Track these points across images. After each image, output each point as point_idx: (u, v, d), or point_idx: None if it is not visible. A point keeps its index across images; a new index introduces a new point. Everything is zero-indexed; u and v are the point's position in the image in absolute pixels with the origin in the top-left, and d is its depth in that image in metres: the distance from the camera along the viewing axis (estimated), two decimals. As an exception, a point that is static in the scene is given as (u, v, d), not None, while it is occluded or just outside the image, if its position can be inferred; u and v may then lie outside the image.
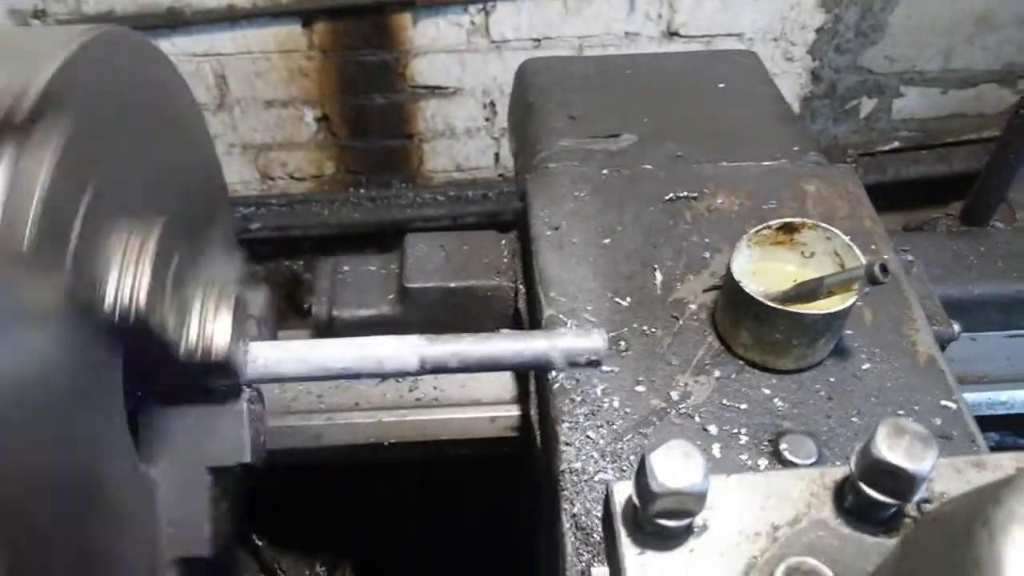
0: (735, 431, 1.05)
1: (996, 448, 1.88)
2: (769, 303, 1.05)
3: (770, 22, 2.77)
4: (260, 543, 1.85)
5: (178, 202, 0.97)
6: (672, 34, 2.75)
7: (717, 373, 1.12)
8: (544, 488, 1.12)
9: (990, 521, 0.42)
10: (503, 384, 1.45)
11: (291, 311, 3.00)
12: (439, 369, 0.85)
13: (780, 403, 1.08)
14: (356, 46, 2.67)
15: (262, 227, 2.86)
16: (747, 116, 1.60)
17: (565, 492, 1.00)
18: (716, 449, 1.03)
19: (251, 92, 2.76)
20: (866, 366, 1.12)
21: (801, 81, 2.94)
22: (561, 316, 1.18)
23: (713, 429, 1.05)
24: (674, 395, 1.09)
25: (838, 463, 1.00)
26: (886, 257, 1.24)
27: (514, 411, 1.41)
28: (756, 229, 1.13)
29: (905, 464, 0.59)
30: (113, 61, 0.84)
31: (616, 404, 1.08)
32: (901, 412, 1.07)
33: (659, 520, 0.62)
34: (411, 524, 1.93)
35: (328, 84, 2.76)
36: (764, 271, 1.15)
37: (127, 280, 0.76)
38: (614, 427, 1.06)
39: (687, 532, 0.64)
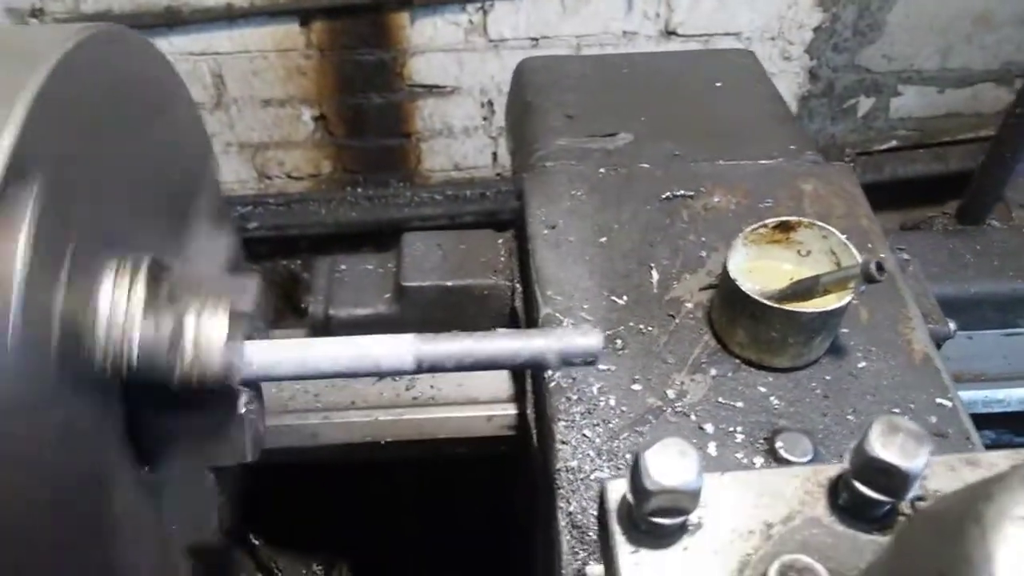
0: (731, 429, 1.05)
1: (992, 446, 1.88)
2: (765, 301, 1.05)
3: (768, 21, 2.77)
4: (257, 542, 1.85)
5: (169, 199, 0.97)
6: (670, 33, 2.75)
7: (713, 371, 1.12)
8: (540, 486, 1.12)
9: (982, 518, 0.42)
10: (500, 383, 1.45)
11: (288, 310, 3.00)
12: (434, 368, 0.85)
13: (776, 401, 1.08)
14: (353, 45, 2.67)
15: (259, 226, 2.86)
16: (744, 115, 1.60)
17: (561, 490, 1.00)
18: (712, 447, 1.04)
19: (248, 91, 2.76)
20: (862, 364, 1.13)
21: (799, 80, 2.95)
22: (558, 315, 1.19)
23: (709, 427, 1.06)
24: (670, 393, 1.09)
25: (834, 461, 1.00)
26: (882, 256, 1.25)
27: (511, 410, 1.42)
28: (752, 228, 1.14)
29: (898, 462, 0.59)
30: (109, 60, 0.84)
31: (612, 402, 1.08)
32: (897, 410, 1.07)
33: (653, 518, 0.62)
34: (408, 523, 1.93)
35: (325, 83, 2.76)
36: (760, 270, 1.15)
37: (116, 333, 0.75)
38: (610, 425, 1.06)
39: (681, 530, 0.64)
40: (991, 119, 2.95)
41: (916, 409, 1.07)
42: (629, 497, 0.63)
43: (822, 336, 1.09)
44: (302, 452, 1.44)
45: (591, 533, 0.96)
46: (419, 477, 1.84)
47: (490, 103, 2.87)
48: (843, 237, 1.11)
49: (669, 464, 0.60)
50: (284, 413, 1.42)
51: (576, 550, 0.95)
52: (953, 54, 2.92)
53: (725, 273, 1.09)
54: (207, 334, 0.81)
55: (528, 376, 1.30)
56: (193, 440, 0.95)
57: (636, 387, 1.10)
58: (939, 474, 0.67)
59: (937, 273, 1.90)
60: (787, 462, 1.00)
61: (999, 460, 0.68)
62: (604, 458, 1.03)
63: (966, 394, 1.75)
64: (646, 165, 1.44)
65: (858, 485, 0.63)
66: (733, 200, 1.36)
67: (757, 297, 1.06)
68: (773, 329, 1.06)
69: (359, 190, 2.98)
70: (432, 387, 1.46)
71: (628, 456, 1.02)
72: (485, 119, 2.92)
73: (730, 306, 1.10)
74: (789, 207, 1.34)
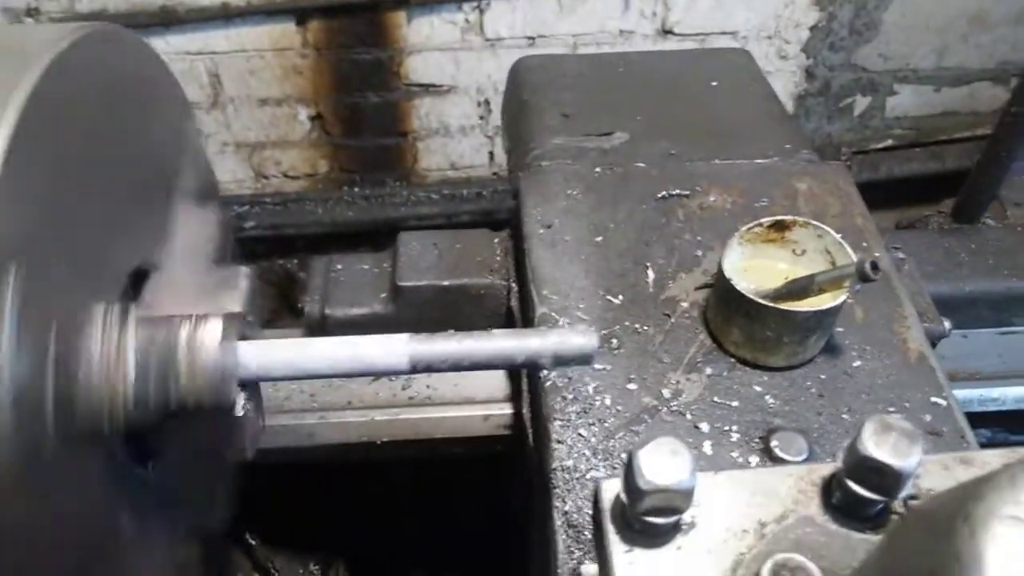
0: (726, 428, 1.05)
1: (988, 445, 1.88)
2: (760, 301, 1.05)
3: (764, 20, 2.78)
4: (253, 542, 1.85)
5: (158, 196, 0.97)
6: (666, 32, 2.75)
7: (709, 371, 1.12)
8: (536, 486, 1.12)
9: (971, 517, 0.42)
10: (496, 382, 1.45)
11: (285, 309, 3.00)
12: (429, 369, 0.86)
13: (771, 400, 1.08)
14: (350, 44, 2.67)
15: (256, 226, 2.86)
16: (739, 114, 1.60)
17: (557, 490, 1.00)
18: (707, 446, 1.04)
19: (245, 90, 2.75)
20: (857, 363, 1.13)
21: (795, 79, 2.95)
22: (553, 314, 1.19)
23: (704, 427, 1.06)
24: (666, 393, 1.09)
25: (829, 460, 1.00)
26: (877, 255, 1.25)
27: (507, 409, 1.42)
28: (747, 227, 1.14)
29: (891, 460, 0.60)
30: (104, 59, 0.84)
31: (608, 402, 1.08)
32: (892, 409, 1.07)
33: (647, 517, 0.62)
34: (405, 523, 1.93)
35: (322, 82, 2.76)
36: (755, 269, 1.15)
37: (110, 388, 0.75)
38: (606, 425, 1.06)
39: (675, 529, 0.64)
40: (987, 118, 2.96)
41: (911, 408, 1.07)
42: (623, 496, 0.63)
43: (817, 335, 1.09)
44: (298, 452, 1.44)
45: (587, 532, 0.96)
46: (415, 477, 1.85)
47: (487, 102, 2.87)
48: (838, 236, 1.11)
49: (662, 463, 0.60)
50: (280, 413, 1.42)
51: (572, 549, 0.96)
52: (949, 53, 2.92)
53: (720, 272, 1.09)
54: (200, 363, 0.81)
55: (524, 375, 1.30)
56: (192, 440, 0.96)
57: (632, 386, 1.10)
58: (932, 473, 0.68)
59: (932, 272, 1.90)
60: (782, 461, 1.00)
61: (992, 459, 0.69)
62: (600, 457, 1.03)
63: (961, 393, 1.77)
64: (642, 164, 1.44)
65: (851, 484, 0.63)
66: (729, 199, 1.36)
67: (752, 296, 1.06)
68: (768, 328, 1.06)
69: (356, 189, 2.99)
70: (428, 387, 1.46)
71: (624, 455, 1.02)
72: (482, 118, 2.92)
73: (725, 305, 1.11)
74: (784, 206, 1.34)
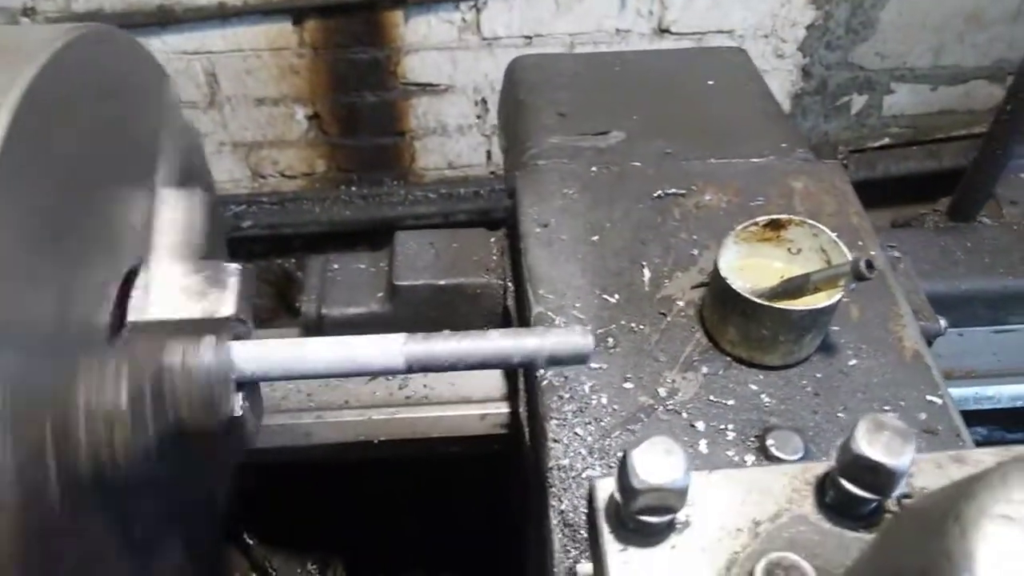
0: (722, 427, 1.06)
1: (983, 443, 1.89)
2: (756, 299, 1.06)
3: (761, 19, 2.78)
4: (251, 541, 1.85)
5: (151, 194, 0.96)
6: (663, 31, 2.76)
7: (704, 369, 1.12)
8: (533, 485, 1.12)
9: (962, 516, 0.43)
10: (493, 381, 1.45)
11: (283, 309, 3.00)
12: (425, 368, 0.86)
13: (767, 399, 1.09)
14: (347, 44, 2.67)
15: (253, 225, 2.86)
16: (735, 113, 1.60)
17: (553, 489, 1.00)
18: (703, 445, 1.04)
19: (242, 90, 2.75)
20: (852, 362, 1.13)
21: (792, 78, 2.95)
22: (550, 313, 1.19)
23: (700, 425, 1.06)
24: (662, 392, 1.09)
25: (824, 458, 1.01)
26: (872, 253, 1.25)
27: (504, 408, 1.42)
28: (743, 226, 1.14)
29: (884, 459, 0.60)
30: (97, 60, 0.84)
31: (604, 401, 1.08)
32: (887, 408, 1.08)
33: (641, 516, 0.62)
34: (403, 522, 1.93)
35: (319, 82, 2.76)
36: (751, 268, 1.15)
37: (105, 448, 0.75)
38: (602, 424, 1.06)
39: (669, 528, 0.65)
40: (984, 116, 2.96)
41: (907, 406, 1.08)
42: (617, 496, 0.63)
43: (812, 334, 1.09)
44: (296, 451, 1.44)
45: (583, 531, 0.96)
46: (413, 476, 1.84)
47: (484, 101, 2.87)
48: (833, 235, 1.11)
49: (656, 462, 0.60)
50: (277, 412, 1.42)
51: (568, 548, 0.96)
52: (945, 52, 2.93)
53: (716, 271, 1.09)
54: (197, 392, 0.80)
55: (521, 374, 1.31)
56: (190, 441, 0.95)
57: (628, 385, 1.10)
58: (926, 471, 0.68)
59: (928, 270, 1.91)
60: (778, 460, 1.01)
61: (986, 457, 0.69)
62: (596, 456, 1.03)
63: (957, 391, 1.77)
64: (638, 163, 1.44)
65: (845, 483, 0.63)
66: (724, 198, 1.36)
67: (748, 295, 1.06)
68: (764, 327, 1.07)
69: (353, 189, 2.99)
70: (425, 386, 1.46)
71: (620, 454, 1.02)
72: (479, 117, 2.92)
73: (721, 304, 1.11)
74: (780, 205, 1.34)
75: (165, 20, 2.50)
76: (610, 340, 1.15)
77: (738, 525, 0.65)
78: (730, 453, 1.03)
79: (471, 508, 1.85)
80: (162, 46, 2.55)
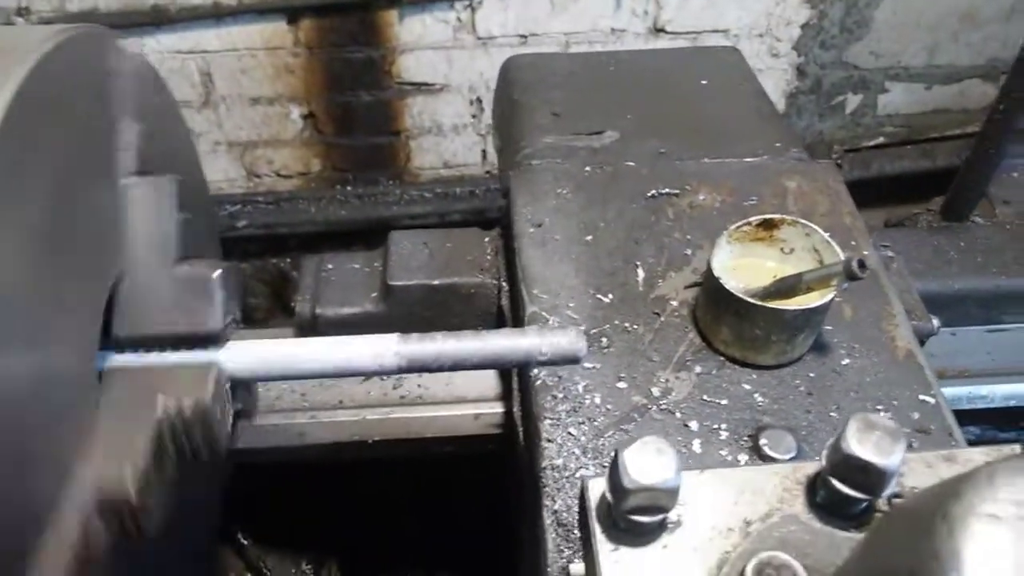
0: (716, 427, 1.06)
1: (976, 442, 1.90)
2: (749, 299, 1.06)
3: (756, 18, 2.78)
4: (245, 542, 1.85)
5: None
6: (658, 31, 2.76)
7: (698, 369, 1.12)
8: (526, 485, 1.12)
9: (949, 515, 0.43)
10: (487, 381, 1.46)
11: (278, 308, 3.00)
12: (418, 368, 0.86)
13: (760, 399, 1.09)
14: (342, 43, 2.67)
15: (248, 224, 2.86)
16: (729, 112, 1.61)
17: (547, 488, 1.00)
18: (697, 445, 1.04)
19: (237, 89, 2.75)
20: (845, 361, 1.13)
21: (787, 77, 2.96)
22: (544, 313, 1.19)
23: (694, 425, 1.06)
24: (655, 391, 1.09)
25: (817, 458, 1.01)
26: (865, 253, 1.26)
27: (498, 408, 1.42)
28: (736, 225, 1.14)
29: (874, 459, 0.60)
30: (88, 61, 0.84)
31: (598, 400, 1.08)
32: (880, 407, 1.08)
33: (632, 516, 0.62)
34: (397, 522, 1.93)
35: (314, 81, 2.76)
36: (744, 267, 1.15)
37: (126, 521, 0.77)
38: (595, 423, 1.06)
39: (660, 528, 0.65)
40: (978, 115, 2.96)
41: (899, 406, 1.08)
42: (608, 495, 0.63)
43: (805, 333, 1.09)
44: (290, 451, 1.44)
45: (576, 531, 0.96)
46: (408, 476, 1.85)
47: (479, 100, 2.87)
48: (826, 235, 1.11)
49: (647, 462, 0.61)
50: (271, 412, 1.42)
51: (561, 548, 0.96)
52: (940, 51, 2.93)
53: (709, 271, 1.10)
54: (197, 444, 0.82)
55: (515, 374, 1.31)
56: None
57: (621, 385, 1.10)
58: (916, 471, 0.68)
59: (921, 270, 1.91)
60: (771, 459, 1.01)
61: (976, 456, 0.69)
62: (589, 456, 1.03)
63: (950, 390, 1.77)
64: (632, 163, 1.44)
65: (835, 482, 0.63)
66: (718, 198, 1.37)
67: (741, 295, 1.06)
68: (757, 327, 1.07)
69: (348, 188, 2.98)
70: (419, 386, 1.46)
71: (612, 454, 1.03)
72: (474, 117, 2.92)
73: (714, 304, 1.11)
74: (773, 205, 1.35)
75: (160, 20, 2.50)
76: (604, 340, 1.15)
77: (729, 524, 0.65)
78: (723, 452, 1.03)
79: (466, 508, 1.86)
80: (156, 45, 2.55)
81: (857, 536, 0.64)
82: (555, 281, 1.23)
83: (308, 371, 0.90)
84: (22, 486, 0.67)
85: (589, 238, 1.30)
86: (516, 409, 1.27)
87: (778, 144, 1.50)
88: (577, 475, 1.01)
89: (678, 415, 1.07)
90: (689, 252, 1.28)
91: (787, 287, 1.08)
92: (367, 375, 1.40)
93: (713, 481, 0.68)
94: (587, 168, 1.42)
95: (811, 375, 1.12)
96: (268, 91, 2.77)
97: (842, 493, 0.63)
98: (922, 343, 1.23)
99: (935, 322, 1.37)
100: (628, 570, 0.63)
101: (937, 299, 1.69)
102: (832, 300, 1.07)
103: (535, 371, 1.11)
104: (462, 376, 1.44)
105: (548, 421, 1.06)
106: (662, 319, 1.18)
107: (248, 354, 0.90)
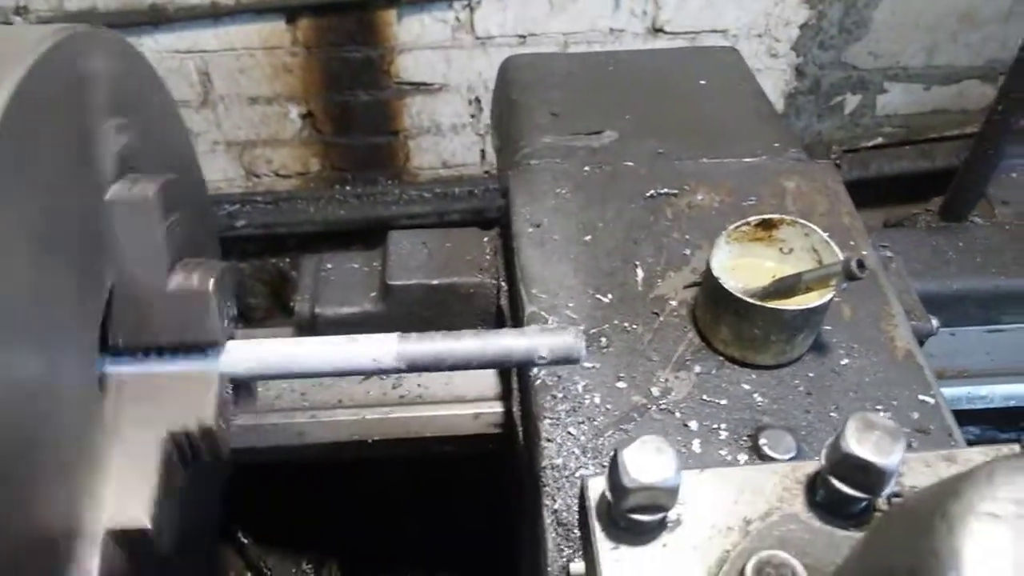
0: (715, 427, 1.06)
1: (976, 442, 1.90)
2: (748, 299, 1.06)
3: (754, 18, 2.78)
4: (246, 541, 1.85)
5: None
6: (657, 31, 2.76)
7: (697, 369, 1.12)
8: (526, 484, 1.12)
9: (948, 513, 0.43)
10: (486, 381, 1.45)
11: (277, 308, 3.00)
12: (417, 368, 0.86)
13: (759, 399, 1.09)
14: (340, 42, 2.67)
15: (247, 224, 2.86)
16: (728, 113, 1.61)
17: (546, 488, 1.00)
18: (696, 444, 1.04)
19: (235, 89, 2.75)
20: (845, 361, 1.13)
21: (786, 77, 2.96)
22: (543, 313, 1.19)
23: (693, 425, 1.06)
24: (655, 391, 1.09)
25: (816, 458, 1.01)
26: (864, 253, 1.26)
27: (497, 408, 1.42)
28: (735, 225, 1.14)
29: (873, 458, 0.60)
30: (87, 60, 0.83)
31: (597, 400, 1.09)
32: (879, 407, 1.08)
33: (632, 515, 0.62)
34: (397, 521, 1.93)
35: (312, 81, 2.76)
36: (743, 267, 1.15)
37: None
38: (595, 423, 1.06)
39: (660, 527, 0.65)
40: (977, 116, 2.97)
41: (899, 406, 1.08)
42: (608, 494, 0.63)
43: (805, 333, 1.09)
44: (290, 451, 1.44)
45: (576, 531, 0.96)
46: (408, 475, 1.85)
47: (477, 100, 2.87)
48: (825, 235, 1.12)
49: (647, 461, 0.61)
50: (271, 412, 1.42)
51: (561, 547, 0.96)
52: (938, 51, 2.94)
53: (708, 271, 1.10)
54: (205, 451, 0.83)
55: (514, 374, 1.31)
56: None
57: (621, 385, 1.10)
58: (915, 470, 0.68)
59: (920, 270, 1.91)
60: (771, 459, 1.01)
61: (975, 456, 0.69)
62: (589, 456, 1.03)
63: (949, 391, 1.78)
64: (630, 163, 1.44)
65: (834, 482, 0.64)
66: (717, 198, 1.37)
67: (740, 295, 1.06)
68: (756, 327, 1.07)
69: (347, 188, 2.98)
70: (419, 385, 1.46)
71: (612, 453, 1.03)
72: (473, 116, 2.92)
73: (713, 304, 1.11)
74: (772, 205, 1.35)
75: (158, 19, 2.50)
76: (603, 340, 1.15)
77: (729, 523, 0.65)
78: (723, 452, 1.03)
79: (466, 507, 1.86)
80: (155, 45, 2.55)
81: (856, 535, 0.64)
82: (554, 281, 1.23)
83: (308, 370, 0.90)
84: (31, 492, 0.67)
85: (588, 238, 1.30)
86: (516, 409, 1.27)
87: (777, 144, 1.50)
88: (577, 474, 1.01)
89: (677, 415, 1.07)
90: (688, 252, 1.28)
91: (786, 287, 1.08)
92: (367, 374, 1.40)
93: (713, 480, 0.68)
94: (586, 168, 1.42)
95: (810, 375, 1.12)
96: (266, 91, 2.77)
97: (841, 492, 0.63)
98: (921, 343, 1.23)
99: (934, 322, 1.37)
100: (628, 569, 0.63)
101: (936, 299, 1.69)
102: (831, 300, 1.07)
103: (534, 371, 1.11)
104: (461, 376, 1.44)
105: (548, 421, 1.06)
106: (661, 319, 1.18)
107: (248, 353, 0.90)
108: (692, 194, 1.37)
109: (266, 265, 3.05)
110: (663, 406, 1.08)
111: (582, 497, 0.68)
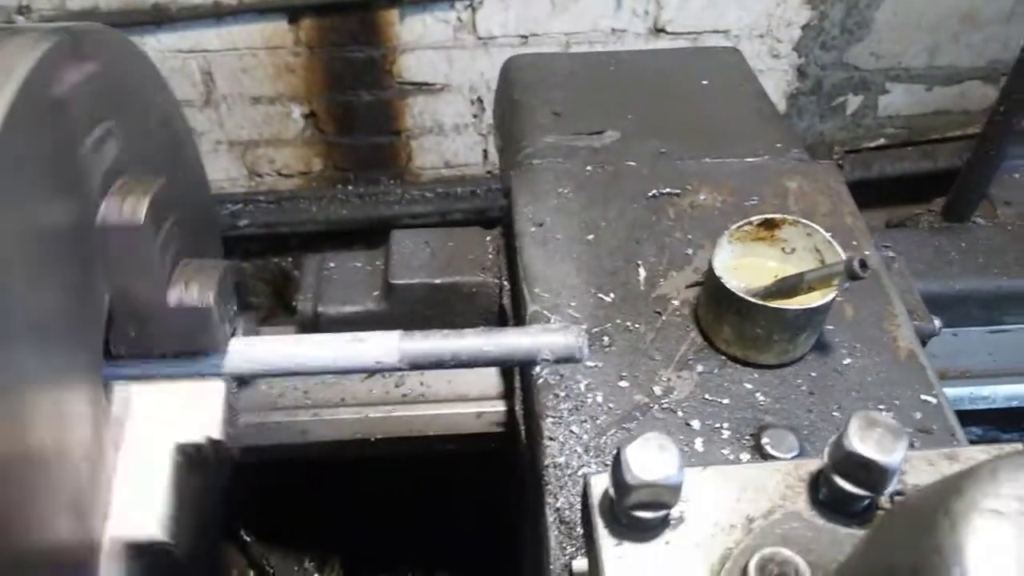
0: (717, 426, 1.06)
1: (978, 442, 1.90)
2: (750, 299, 1.06)
3: (756, 19, 2.78)
4: (248, 539, 1.85)
5: None
6: (659, 31, 2.76)
7: (700, 368, 1.12)
8: (529, 483, 1.12)
9: (951, 510, 0.43)
10: (489, 379, 1.46)
11: (280, 307, 3.00)
12: (420, 366, 0.86)
13: (762, 398, 1.09)
14: (343, 42, 2.67)
15: (250, 224, 2.86)
16: (730, 113, 1.61)
17: (549, 486, 1.01)
18: (699, 444, 1.04)
19: (238, 88, 2.75)
20: (847, 361, 1.14)
21: (787, 78, 2.96)
22: (545, 312, 1.19)
23: (696, 424, 1.06)
24: (657, 390, 1.10)
25: (819, 456, 1.01)
26: (866, 253, 1.26)
27: (500, 406, 1.42)
28: (737, 225, 1.14)
29: (876, 456, 0.60)
30: (90, 59, 0.84)
31: (600, 399, 1.09)
32: (882, 407, 1.08)
33: (635, 512, 0.62)
34: (400, 519, 1.93)
35: (315, 80, 2.76)
36: (745, 267, 1.16)
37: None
38: (598, 422, 1.06)
39: (663, 524, 0.65)
40: (979, 116, 2.97)
41: (901, 406, 1.08)
42: (611, 491, 0.63)
43: (807, 333, 1.10)
44: (292, 449, 1.44)
45: (579, 529, 0.96)
46: (410, 474, 1.85)
47: (480, 100, 2.87)
48: (827, 234, 1.12)
49: (650, 459, 0.61)
50: (274, 410, 1.42)
51: (564, 546, 0.96)
52: (940, 52, 2.94)
53: (711, 270, 1.10)
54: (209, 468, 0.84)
55: (517, 373, 1.31)
56: None
57: (623, 384, 1.11)
58: (918, 469, 0.68)
59: (922, 270, 1.91)
60: (773, 458, 1.01)
61: (977, 454, 0.69)
62: (591, 454, 1.03)
63: (951, 391, 1.77)
64: (633, 163, 1.44)
65: (837, 479, 0.64)
66: (719, 198, 1.37)
67: (742, 295, 1.06)
68: (758, 326, 1.07)
69: (350, 188, 2.99)
70: (422, 384, 1.46)
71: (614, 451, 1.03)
72: (475, 116, 2.92)
73: (716, 303, 1.11)
74: (774, 205, 1.35)
75: (160, 19, 2.50)
76: (605, 339, 1.16)
77: (732, 521, 0.66)
78: (725, 451, 1.03)
79: (469, 506, 1.86)
80: (157, 45, 2.55)
81: (859, 533, 0.64)
82: (556, 280, 1.23)
83: (310, 368, 0.90)
84: (40, 507, 0.67)
85: (590, 237, 1.30)
86: (518, 407, 1.28)
87: (779, 144, 1.50)
88: (579, 473, 1.01)
89: (680, 414, 1.07)
90: (690, 252, 1.28)
91: (788, 287, 1.08)
92: (370, 372, 1.40)
93: (716, 478, 0.68)
94: (588, 168, 1.43)
95: (813, 375, 1.12)
96: (269, 90, 2.77)
97: (844, 490, 0.63)
98: (924, 343, 1.23)
99: (936, 322, 1.38)
100: (631, 566, 0.63)
101: (938, 300, 1.69)
102: (833, 300, 1.07)
103: (537, 370, 1.11)
104: (464, 374, 1.44)
105: (550, 419, 1.07)
106: (664, 318, 1.19)
107: (250, 352, 0.90)
108: (694, 194, 1.38)
109: (268, 264, 3.06)
110: (665, 405, 1.08)
111: (585, 494, 0.68)
